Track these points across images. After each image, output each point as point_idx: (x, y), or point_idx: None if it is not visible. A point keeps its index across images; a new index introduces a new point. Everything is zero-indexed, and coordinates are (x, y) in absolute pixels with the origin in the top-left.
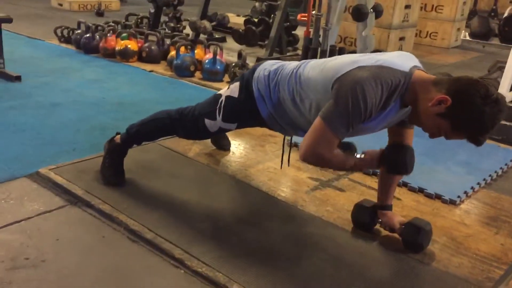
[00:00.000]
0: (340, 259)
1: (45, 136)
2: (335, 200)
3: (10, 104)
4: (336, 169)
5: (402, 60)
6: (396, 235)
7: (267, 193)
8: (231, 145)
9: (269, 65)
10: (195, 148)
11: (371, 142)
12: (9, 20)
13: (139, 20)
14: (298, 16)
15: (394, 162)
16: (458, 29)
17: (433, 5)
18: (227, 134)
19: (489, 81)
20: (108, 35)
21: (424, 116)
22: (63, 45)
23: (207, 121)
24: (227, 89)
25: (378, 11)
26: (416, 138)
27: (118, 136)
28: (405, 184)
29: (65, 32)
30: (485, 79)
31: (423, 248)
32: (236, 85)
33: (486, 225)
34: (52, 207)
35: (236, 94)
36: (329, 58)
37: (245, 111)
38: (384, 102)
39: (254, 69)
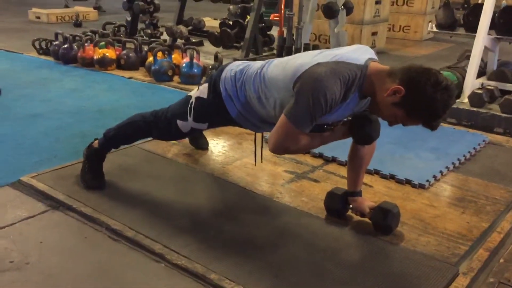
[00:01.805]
0: (314, 245)
1: (26, 145)
2: (310, 190)
3: None
4: (308, 149)
5: (358, 53)
6: (367, 219)
7: (244, 188)
8: (209, 144)
9: (235, 66)
10: (174, 149)
11: None
12: None
13: (116, 28)
14: (271, 16)
15: (360, 132)
16: (430, 22)
17: (404, 0)
18: (205, 133)
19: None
20: (86, 44)
21: (381, 105)
22: (42, 57)
23: (179, 122)
24: (197, 90)
25: (348, 8)
26: (388, 129)
27: (96, 142)
28: (376, 172)
29: (43, 44)
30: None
31: (392, 230)
32: (205, 86)
33: (453, 206)
34: (35, 213)
35: (205, 95)
36: (291, 56)
37: (215, 111)
38: (344, 95)
39: (221, 70)
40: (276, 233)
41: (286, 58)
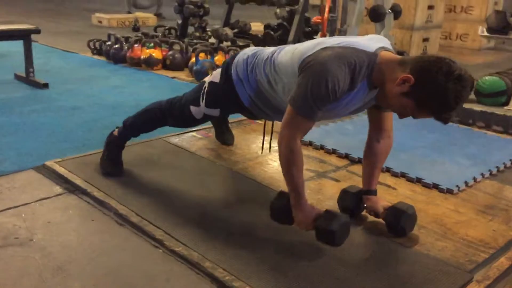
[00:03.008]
0: (320, 243)
1: (59, 134)
2: (327, 189)
3: (33, 108)
4: (287, 169)
5: (369, 42)
6: (382, 220)
7: (260, 183)
8: (235, 140)
9: (249, 50)
10: (199, 143)
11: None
12: (37, 31)
13: (166, 31)
14: (313, 19)
15: (323, 234)
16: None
17: (462, 7)
18: (232, 129)
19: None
20: (135, 45)
21: (390, 96)
22: (95, 56)
23: (192, 108)
24: (211, 75)
25: (396, 11)
26: (423, 131)
27: (117, 130)
28: (403, 175)
29: (97, 44)
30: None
31: (406, 232)
32: (218, 71)
33: (481, 213)
34: (51, 195)
35: (217, 80)
36: (301, 43)
37: (226, 96)
38: (351, 83)
39: (235, 55)
40: (284, 229)
41: (297, 44)
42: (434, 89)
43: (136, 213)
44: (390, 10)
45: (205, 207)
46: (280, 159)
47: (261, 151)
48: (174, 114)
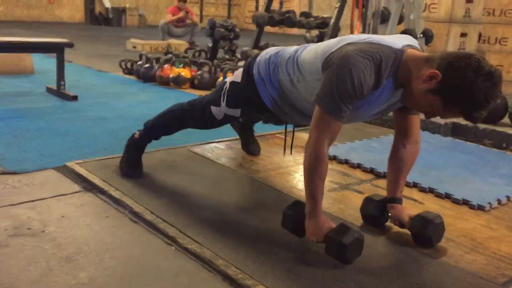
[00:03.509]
0: None
1: (83, 140)
2: (351, 200)
3: (61, 116)
4: (308, 175)
5: (396, 39)
6: (406, 231)
7: (280, 191)
8: (261, 152)
9: (271, 50)
10: (223, 153)
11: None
12: (70, 45)
13: (197, 53)
14: None
15: (333, 251)
16: None
17: (496, 38)
18: (258, 140)
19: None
20: (165, 65)
21: (416, 94)
22: (126, 76)
23: (213, 108)
24: (232, 76)
25: (428, 36)
26: (454, 153)
27: (138, 132)
28: (431, 190)
29: (129, 64)
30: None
31: (433, 243)
32: (240, 70)
33: None
34: (68, 192)
35: (239, 79)
36: (325, 41)
37: (247, 96)
38: (376, 80)
39: (257, 55)
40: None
41: (321, 42)
42: (463, 85)
43: (151, 211)
44: (421, 35)
45: (221, 210)
46: (304, 163)
47: (284, 153)
48: (195, 115)
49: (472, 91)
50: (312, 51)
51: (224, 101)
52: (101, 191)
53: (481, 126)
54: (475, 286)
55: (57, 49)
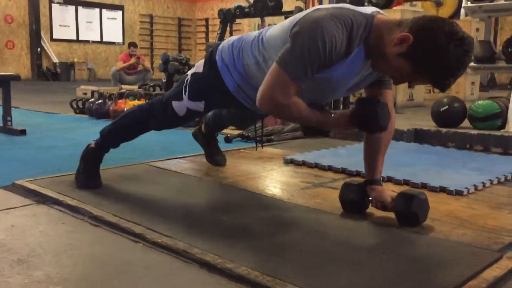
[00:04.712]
0: (323, 233)
1: (33, 163)
2: (326, 195)
3: (8, 147)
4: (299, 121)
5: (364, 8)
6: (391, 215)
7: (253, 192)
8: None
9: (234, 37)
10: (185, 166)
11: None
12: (17, 78)
13: (151, 88)
14: None
15: (364, 116)
16: (473, 83)
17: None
18: (223, 150)
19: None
20: (119, 100)
21: (386, 58)
22: (78, 115)
23: (174, 103)
24: (193, 68)
25: None
26: (422, 154)
27: (94, 142)
28: (406, 182)
29: (80, 103)
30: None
31: (419, 220)
32: (201, 62)
33: (497, 208)
34: (18, 205)
35: (201, 70)
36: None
37: (211, 85)
38: (347, 45)
39: (219, 43)
40: (280, 223)
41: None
42: (434, 50)
43: (113, 214)
44: None
45: (191, 210)
46: (278, 116)
47: (255, 147)
48: (155, 113)
49: (444, 56)
50: (278, 26)
51: (186, 93)
52: (56, 202)
53: (443, 130)
54: (471, 254)
55: (3, 83)
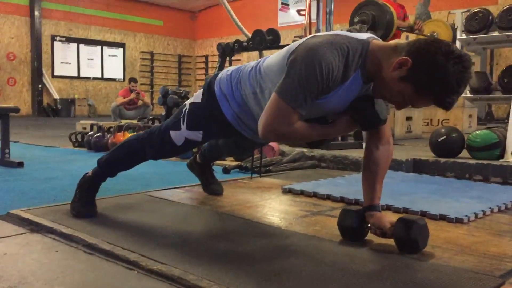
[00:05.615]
0: (321, 260)
1: (29, 193)
2: (325, 222)
3: (5, 179)
4: (303, 140)
5: (358, 34)
6: (391, 242)
7: (250, 220)
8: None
9: (232, 68)
10: (182, 195)
11: None
12: (15, 110)
13: (150, 120)
14: None
15: (364, 113)
16: (470, 116)
17: (438, 120)
18: (220, 181)
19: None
20: (118, 133)
21: (386, 83)
22: (77, 148)
23: (172, 133)
24: (191, 98)
25: None
26: (422, 184)
27: (91, 171)
28: (405, 210)
29: (79, 136)
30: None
31: (419, 246)
32: (199, 91)
33: (498, 236)
34: (11, 234)
35: (199, 99)
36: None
37: (209, 115)
38: (344, 72)
39: (217, 74)
40: (277, 250)
41: None
42: (434, 70)
43: (108, 242)
44: None
45: (187, 237)
46: (283, 142)
47: (251, 176)
48: (153, 143)
49: (444, 74)
50: (276, 55)
51: (185, 123)
52: (50, 231)
53: (442, 160)
54: (473, 280)
55: (1, 115)
